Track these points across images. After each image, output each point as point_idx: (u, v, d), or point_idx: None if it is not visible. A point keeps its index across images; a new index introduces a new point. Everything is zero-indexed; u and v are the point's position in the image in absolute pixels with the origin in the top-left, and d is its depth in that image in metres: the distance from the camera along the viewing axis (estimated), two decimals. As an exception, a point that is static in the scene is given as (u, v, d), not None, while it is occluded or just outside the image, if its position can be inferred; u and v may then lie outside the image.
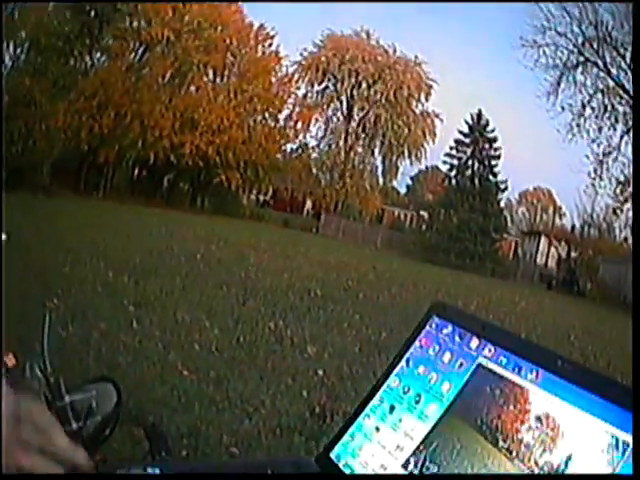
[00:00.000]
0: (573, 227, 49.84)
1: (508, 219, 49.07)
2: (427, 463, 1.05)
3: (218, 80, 42.07)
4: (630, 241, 41.98)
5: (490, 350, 1.10)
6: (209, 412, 5.32)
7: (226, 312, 9.63)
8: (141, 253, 14.07)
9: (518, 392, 1.03)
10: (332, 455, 1.21)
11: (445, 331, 1.19)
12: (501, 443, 1.00)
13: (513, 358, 1.07)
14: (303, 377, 6.91)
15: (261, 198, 50.06)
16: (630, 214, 37.02)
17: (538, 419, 0.98)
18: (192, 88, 40.23)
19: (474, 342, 1.13)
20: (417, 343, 1.22)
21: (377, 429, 1.17)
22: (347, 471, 1.16)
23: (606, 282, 34.24)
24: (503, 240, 43.17)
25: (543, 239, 52.35)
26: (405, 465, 1.08)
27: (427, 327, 1.23)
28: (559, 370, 1.01)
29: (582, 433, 0.93)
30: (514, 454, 0.98)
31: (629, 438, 0.87)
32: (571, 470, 0.91)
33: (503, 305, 18.34)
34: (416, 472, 1.06)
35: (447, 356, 1.15)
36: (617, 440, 0.88)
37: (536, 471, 0.94)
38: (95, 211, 25.41)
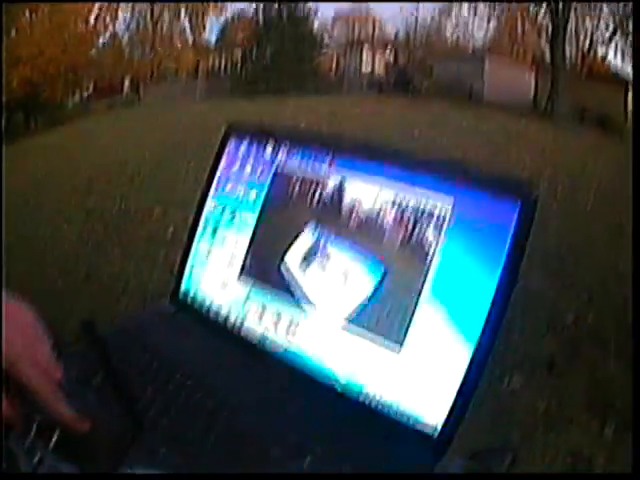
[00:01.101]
0: (397, 33, 48.95)
1: (326, 36, 48.30)
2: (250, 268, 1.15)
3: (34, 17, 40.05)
4: (463, 39, 42.15)
5: (285, 150, 1.18)
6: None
7: (76, 209, 9.43)
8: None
9: (315, 179, 1.12)
10: (181, 291, 1.28)
11: (243, 146, 1.25)
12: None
13: (308, 151, 1.15)
14: (159, 241, 6.91)
15: (84, 95, 48.29)
16: (461, 17, 36.93)
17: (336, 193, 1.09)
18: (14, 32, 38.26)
19: (270, 148, 1.20)
20: (222, 164, 1.27)
21: (209, 253, 1.24)
22: (198, 300, 1.24)
23: (443, 80, 34.66)
24: (322, 56, 42.82)
25: (366, 48, 51.47)
26: (239, 276, 1.18)
27: (227, 147, 1.28)
28: (357, 152, 1.09)
29: (384, 201, 1.02)
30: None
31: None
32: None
33: (337, 118, 18.32)
34: (245, 278, 1.15)
35: (248, 168, 1.22)
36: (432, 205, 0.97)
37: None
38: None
